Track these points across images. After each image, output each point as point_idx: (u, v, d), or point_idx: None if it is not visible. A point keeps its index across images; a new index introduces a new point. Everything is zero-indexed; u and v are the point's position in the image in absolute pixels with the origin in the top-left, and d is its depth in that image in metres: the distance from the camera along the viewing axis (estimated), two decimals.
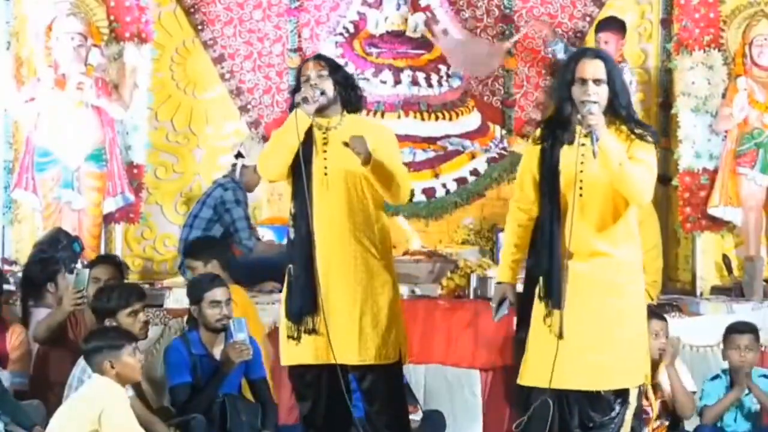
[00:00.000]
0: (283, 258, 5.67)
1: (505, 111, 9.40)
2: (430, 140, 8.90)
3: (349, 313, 5.26)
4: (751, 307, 7.50)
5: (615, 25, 8.75)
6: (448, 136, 8.97)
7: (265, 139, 8.99)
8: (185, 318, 6.63)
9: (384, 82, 8.99)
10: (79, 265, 7.44)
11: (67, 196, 8.14)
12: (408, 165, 8.48)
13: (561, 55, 8.97)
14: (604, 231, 4.93)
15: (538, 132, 5.14)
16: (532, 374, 5.00)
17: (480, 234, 8.67)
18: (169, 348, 6.26)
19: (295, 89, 5.41)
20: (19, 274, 7.32)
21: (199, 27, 9.23)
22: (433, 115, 9.00)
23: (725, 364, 6.46)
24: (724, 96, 8.45)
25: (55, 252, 7.13)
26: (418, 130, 8.92)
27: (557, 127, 5.01)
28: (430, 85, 9.03)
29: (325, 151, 5.31)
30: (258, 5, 9.31)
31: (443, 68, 9.12)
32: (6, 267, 7.77)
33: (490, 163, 8.85)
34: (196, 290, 6.21)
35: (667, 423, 6.30)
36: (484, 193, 8.79)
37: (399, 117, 8.92)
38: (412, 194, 8.49)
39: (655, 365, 6.04)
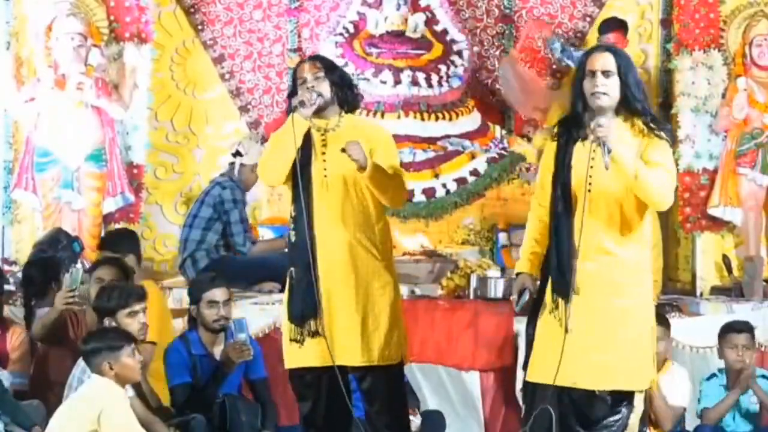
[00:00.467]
0: (283, 258, 5.67)
1: (505, 111, 9.40)
2: (430, 140, 8.91)
3: (351, 315, 5.25)
4: (751, 307, 7.50)
5: (618, 27, 8.74)
6: (448, 136, 8.98)
7: (264, 139, 9.01)
8: (185, 318, 6.62)
9: (384, 83, 9.00)
10: (79, 265, 7.46)
11: (67, 196, 8.13)
12: (408, 165, 8.49)
13: (558, 55, 8.97)
14: (613, 230, 4.91)
15: (555, 128, 5.11)
16: (537, 370, 5.01)
17: (480, 234, 8.67)
18: (169, 348, 6.25)
19: (292, 91, 5.41)
20: (19, 274, 7.32)
21: (199, 27, 9.24)
22: (433, 115, 9.01)
23: (722, 363, 6.46)
24: (724, 96, 8.46)
25: (55, 252, 7.13)
26: (418, 130, 8.92)
27: (571, 124, 5.00)
28: (430, 86, 9.04)
29: (323, 153, 5.30)
30: (258, 5, 9.31)
31: (443, 68, 9.12)
32: (6, 267, 7.77)
33: (490, 163, 8.85)
34: (196, 290, 6.21)
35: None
36: (484, 193, 8.79)
37: (399, 117, 8.92)
38: (412, 194, 8.50)
39: None
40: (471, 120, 9.17)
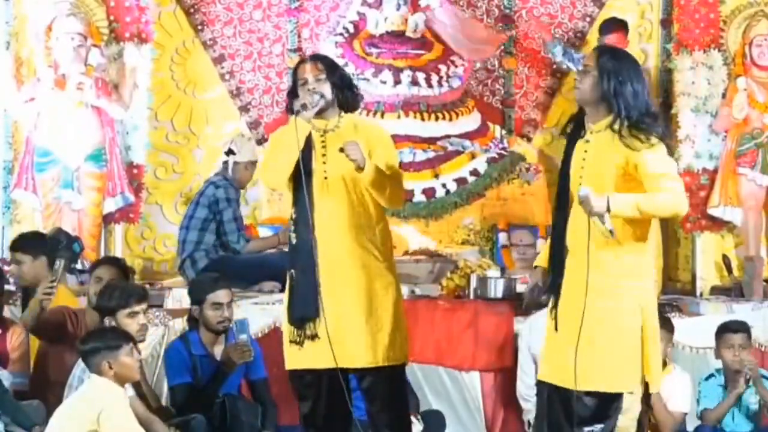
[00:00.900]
0: (282, 257, 5.66)
1: (505, 111, 9.41)
2: (430, 140, 8.91)
3: (355, 317, 5.24)
4: (751, 307, 7.49)
5: (618, 27, 8.72)
6: (448, 136, 8.98)
7: (264, 139, 9.02)
8: (185, 318, 6.62)
9: (384, 83, 9.00)
10: (79, 265, 7.46)
11: (67, 196, 8.13)
12: (408, 165, 8.50)
13: (559, 58, 8.97)
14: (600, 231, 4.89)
15: (566, 126, 5.09)
16: (540, 369, 5.06)
17: (480, 234, 8.68)
18: (169, 348, 6.26)
19: (291, 90, 5.40)
20: None
21: (199, 27, 9.24)
22: (433, 116, 9.02)
23: (719, 363, 6.46)
24: (724, 96, 8.47)
25: (55, 252, 7.12)
26: (418, 130, 8.92)
27: (575, 122, 4.98)
28: (430, 86, 9.04)
29: (324, 155, 5.29)
30: (258, 5, 9.31)
31: (443, 68, 9.12)
32: (6, 267, 7.76)
33: (490, 163, 8.85)
34: (199, 291, 6.21)
35: None
36: (484, 193, 8.79)
37: (399, 117, 8.93)
38: (412, 194, 8.50)
39: None
40: (471, 120, 9.18)
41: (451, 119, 9.06)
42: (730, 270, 8.32)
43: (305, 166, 5.21)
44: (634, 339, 4.82)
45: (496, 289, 7.28)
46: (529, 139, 9.31)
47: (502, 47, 9.42)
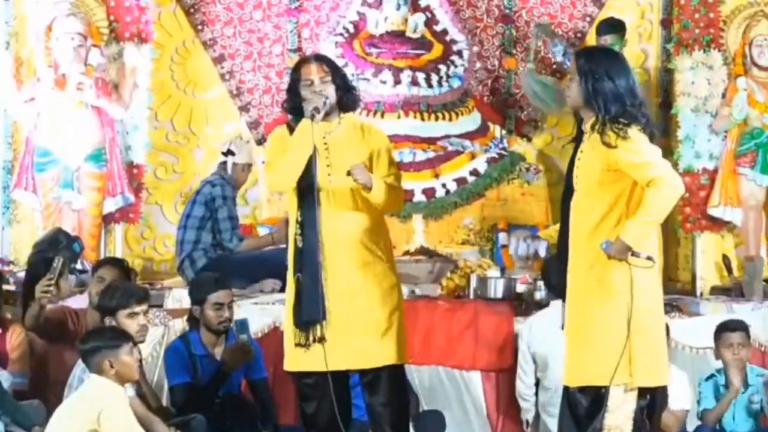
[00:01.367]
0: (280, 254, 5.65)
1: (505, 111, 9.40)
2: (430, 140, 8.91)
3: (362, 319, 5.25)
4: (751, 307, 7.49)
5: (616, 27, 8.71)
6: (448, 136, 8.98)
7: (264, 139, 9.02)
8: (185, 318, 6.62)
9: (384, 83, 9.00)
10: (79, 265, 7.46)
11: (67, 196, 8.13)
12: (408, 165, 8.51)
13: (560, 58, 8.96)
14: (593, 227, 4.91)
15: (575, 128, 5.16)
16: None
17: (480, 234, 8.68)
18: (169, 348, 6.26)
19: (290, 88, 5.40)
20: (19, 275, 7.32)
21: (199, 27, 9.23)
22: (433, 116, 9.02)
23: (719, 364, 6.46)
24: (724, 96, 8.46)
25: (55, 252, 7.13)
26: (418, 130, 8.93)
27: (578, 126, 5.05)
28: (430, 86, 9.04)
29: (327, 157, 5.30)
30: (258, 5, 9.31)
31: (443, 68, 9.13)
32: (5, 267, 7.77)
33: (490, 163, 8.85)
34: (199, 291, 6.21)
35: None
36: (483, 193, 8.79)
37: (399, 117, 8.93)
38: (412, 194, 8.50)
39: None
40: (471, 120, 9.17)
41: (451, 119, 9.06)
42: (730, 270, 8.31)
43: (311, 169, 5.21)
44: (620, 332, 4.82)
45: (496, 289, 7.28)
46: (529, 139, 9.30)
47: (502, 47, 9.42)
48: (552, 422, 6.43)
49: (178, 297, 7.18)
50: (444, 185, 8.73)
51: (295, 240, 5.31)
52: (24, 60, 8.30)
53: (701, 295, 8.35)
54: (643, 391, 4.93)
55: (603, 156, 4.82)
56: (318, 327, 5.24)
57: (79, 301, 6.77)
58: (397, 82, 8.99)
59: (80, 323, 6.32)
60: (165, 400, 6.27)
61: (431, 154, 8.84)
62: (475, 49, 9.39)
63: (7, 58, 8.27)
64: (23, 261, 7.71)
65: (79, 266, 7.64)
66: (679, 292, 8.41)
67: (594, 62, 4.91)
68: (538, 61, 9.15)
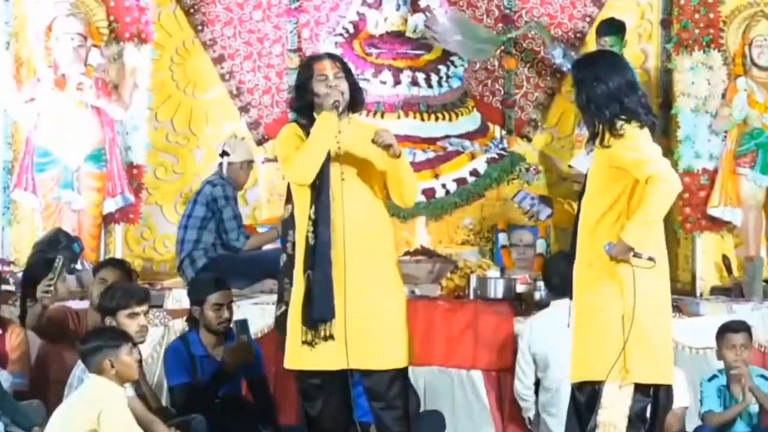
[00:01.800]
0: (278, 254, 5.65)
1: (505, 111, 9.39)
2: (430, 140, 8.91)
3: (372, 318, 5.23)
4: (751, 307, 7.49)
5: (616, 28, 8.71)
6: (448, 137, 8.98)
7: (264, 139, 9.02)
8: (185, 318, 6.62)
9: (384, 83, 9.01)
10: (79, 266, 7.46)
11: (67, 197, 8.14)
12: None
13: (559, 60, 8.97)
14: (595, 224, 4.94)
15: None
16: None
17: (480, 234, 8.68)
18: (168, 348, 6.27)
19: (299, 86, 5.39)
20: (19, 275, 7.32)
21: (199, 27, 9.23)
22: (433, 116, 9.02)
23: (721, 364, 6.46)
24: (723, 96, 8.46)
25: (55, 252, 7.12)
26: (417, 130, 8.93)
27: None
28: (429, 86, 9.05)
29: (339, 156, 5.29)
30: (258, 5, 9.30)
31: (443, 69, 9.13)
32: (5, 268, 7.77)
33: (489, 164, 8.86)
34: (199, 292, 6.21)
35: None
36: (483, 194, 8.80)
37: (399, 117, 8.93)
38: None
39: None
40: (471, 120, 9.18)
41: (451, 119, 9.06)
42: (730, 270, 8.31)
43: (323, 167, 5.20)
44: (618, 329, 4.85)
45: (496, 289, 7.28)
46: (529, 140, 9.30)
47: (502, 47, 9.41)
48: (552, 422, 6.44)
49: (178, 297, 7.18)
50: (444, 185, 8.73)
51: (307, 237, 5.26)
52: (24, 60, 8.30)
53: (701, 295, 8.35)
54: (643, 390, 4.93)
55: (605, 158, 4.91)
56: (328, 325, 5.22)
57: (79, 303, 6.77)
58: (397, 82, 8.99)
59: (81, 324, 6.32)
60: (165, 401, 6.27)
61: (431, 155, 8.84)
62: None
63: (7, 59, 8.27)
64: (23, 261, 7.71)
65: (78, 266, 7.65)
66: (678, 293, 8.39)
67: (582, 71, 5.02)
68: (538, 62, 9.20)
